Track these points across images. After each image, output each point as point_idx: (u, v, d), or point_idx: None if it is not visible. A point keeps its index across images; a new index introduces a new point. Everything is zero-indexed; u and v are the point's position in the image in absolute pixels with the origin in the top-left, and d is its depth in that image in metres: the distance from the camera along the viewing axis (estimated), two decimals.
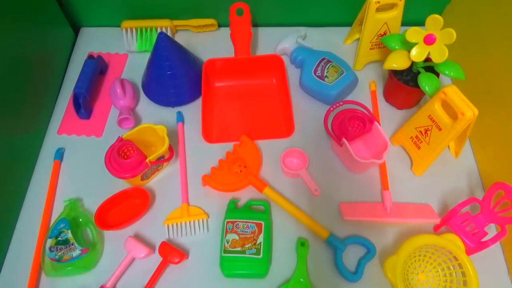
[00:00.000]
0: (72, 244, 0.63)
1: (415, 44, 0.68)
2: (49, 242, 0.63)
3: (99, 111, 0.81)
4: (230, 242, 0.63)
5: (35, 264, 0.63)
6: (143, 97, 0.83)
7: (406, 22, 0.79)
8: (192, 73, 0.80)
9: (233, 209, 0.68)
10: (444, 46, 0.66)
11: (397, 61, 0.71)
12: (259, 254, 0.62)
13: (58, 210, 0.69)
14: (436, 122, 0.67)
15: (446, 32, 0.65)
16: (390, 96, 0.82)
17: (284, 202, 0.68)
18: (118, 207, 0.69)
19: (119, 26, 0.90)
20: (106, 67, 0.87)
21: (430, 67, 0.71)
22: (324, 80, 0.78)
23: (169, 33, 0.89)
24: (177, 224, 0.67)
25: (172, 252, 0.63)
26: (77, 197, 0.70)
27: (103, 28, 0.93)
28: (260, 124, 0.80)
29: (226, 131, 0.79)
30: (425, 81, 0.70)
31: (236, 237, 0.64)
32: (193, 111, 0.80)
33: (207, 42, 0.91)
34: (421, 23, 0.69)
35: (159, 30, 0.87)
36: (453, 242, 0.61)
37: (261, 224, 0.65)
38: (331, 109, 0.73)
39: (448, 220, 0.65)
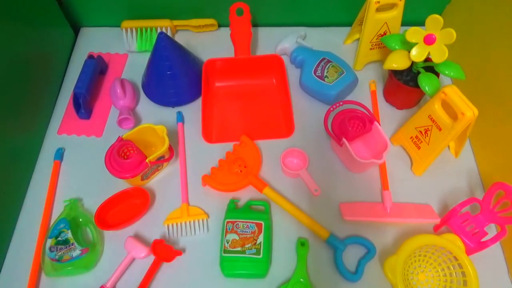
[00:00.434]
0: (72, 244, 0.63)
1: (415, 44, 0.68)
2: (49, 242, 0.63)
3: (99, 111, 0.81)
4: (230, 242, 0.63)
5: (35, 264, 0.63)
6: (143, 97, 0.83)
7: (406, 22, 0.79)
8: (192, 73, 0.80)
9: (233, 209, 0.68)
10: (444, 46, 0.66)
11: (397, 61, 0.71)
12: (259, 254, 0.62)
13: (58, 210, 0.69)
14: (436, 122, 0.67)
15: (446, 32, 0.65)
16: (390, 96, 0.82)
17: (284, 202, 0.68)
18: (118, 207, 0.69)
19: (119, 26, 0.90)
20: (106, 67, 0.87)
21: (430, 67, 0.71)
22: (324, 80, 0.78)
23: (169, 33, 0.89)
24: (177, 224, 0.67)
25: (165, 250, 0.63)
26: (77, 197, 0.70)
27: (103, 28, 0.93)
28: (260, 124, 0.80)
29: (226, 131, 0.79)
30: (425, 81, 0.70)
31: (236, 237, 0.64)
32: (193, 111, 0.80)
33: (207, 42, 0.91)
34: (421, 23, 0.69)
35: (159, 30, 0.87)
36: (453, 242, 0.61)
37: (261, 224, 0.65)
38: (331, 109, 0.73)
39: (448, 220, 0.65)
